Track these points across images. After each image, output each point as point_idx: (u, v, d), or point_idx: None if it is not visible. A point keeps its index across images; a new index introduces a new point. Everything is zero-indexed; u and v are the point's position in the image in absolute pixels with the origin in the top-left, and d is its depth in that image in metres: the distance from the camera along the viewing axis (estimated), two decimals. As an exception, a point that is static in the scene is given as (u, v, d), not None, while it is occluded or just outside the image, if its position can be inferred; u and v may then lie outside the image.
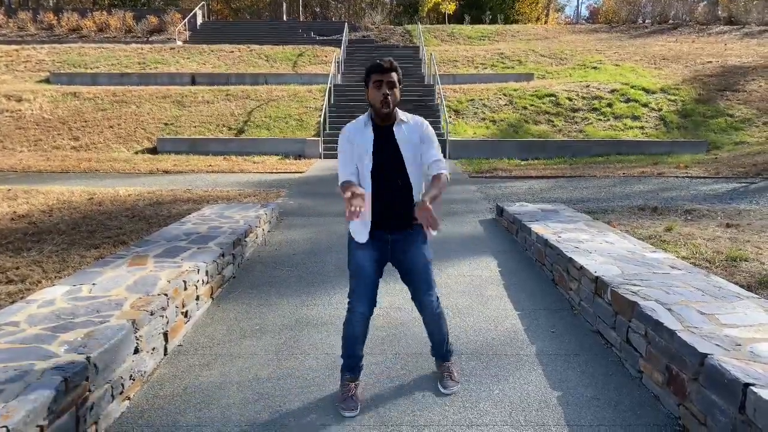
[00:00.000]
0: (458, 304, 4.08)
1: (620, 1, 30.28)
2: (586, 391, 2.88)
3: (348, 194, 2.39)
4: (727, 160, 11.93)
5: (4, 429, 1.87)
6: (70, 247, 5.29)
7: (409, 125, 2.75)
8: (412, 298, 2.91)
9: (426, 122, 2.82)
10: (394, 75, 2.63)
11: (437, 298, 2.91)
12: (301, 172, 11.35)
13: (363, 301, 2.78)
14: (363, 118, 2.76)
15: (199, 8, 27.60)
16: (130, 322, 2.83)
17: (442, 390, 2.91)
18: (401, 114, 2.75)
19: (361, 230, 2.75)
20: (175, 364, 3.16)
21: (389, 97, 2.61)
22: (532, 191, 9.10)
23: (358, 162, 2.70)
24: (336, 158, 12.92)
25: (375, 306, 2.82)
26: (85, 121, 15.34)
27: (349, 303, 2.83)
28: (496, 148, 14.02)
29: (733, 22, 26.08)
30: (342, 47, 20.62)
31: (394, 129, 2.72)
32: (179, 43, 23.86)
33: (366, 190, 2.66)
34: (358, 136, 2.71)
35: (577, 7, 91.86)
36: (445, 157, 13.51)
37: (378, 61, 2.64)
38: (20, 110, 15.73)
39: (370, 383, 2.96)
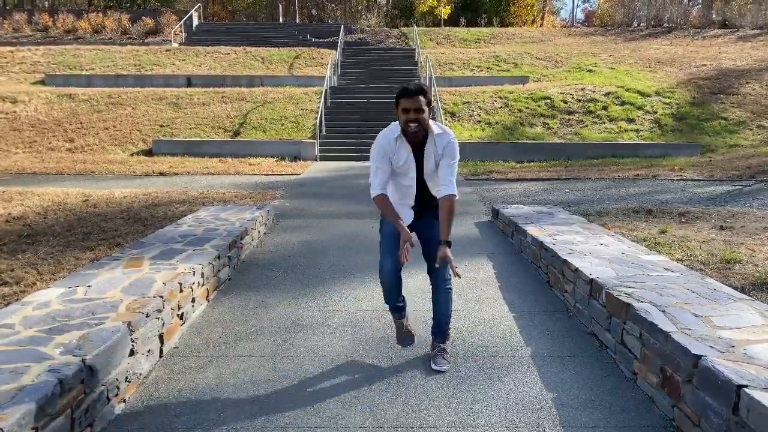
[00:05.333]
0: (453, 305, 4.08)
1: (615, 4, 30.43)
2: (581, 393, 2.89)
3: (404, 240, 2.88)
4: (721, 163, 12.00)
5: (-1, 431, 1.87)
6: (65, 249, 5.27)
7: (440, 136, 3.00)
8: (428, 271, 3.21)
9: (453, 136, 3.05)
10: (421, 98, 2.86)
11: (450, 277, 3.19)
12: (297, 174, 11.35)
13: (388, 257, 3.08)
14: (392, 132, 3.00)
15: (195, 10, 27.59)
16: (126, 324, 2.82)
17: (434, 366, 3.11)
18: (434, 126, 3.00)
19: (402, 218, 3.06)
20: (171, 366, 3.16)
21: (416, 120, 2.86)
22: (527, 193, 9.13)
23: (399, 173, 3.06)
24: (333, 160, 12.85)
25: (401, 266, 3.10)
26: (81, 123, 15.30)
27: (379, 264, 3.15)
28: (492, 150, 14.04)
29: (728, 26, 26.23)
30: (338, 49, 20.63)
31: (426, 145, 3.00)
32: (175, 44, 23.83)
33: (411, 198, 3.12)
34: (394, 153, 2.99)
35: (572, 10, 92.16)
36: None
37: (406, 85, 2.90)
38: (15, 112, 15.68)
39: (366, 383, 2.96)
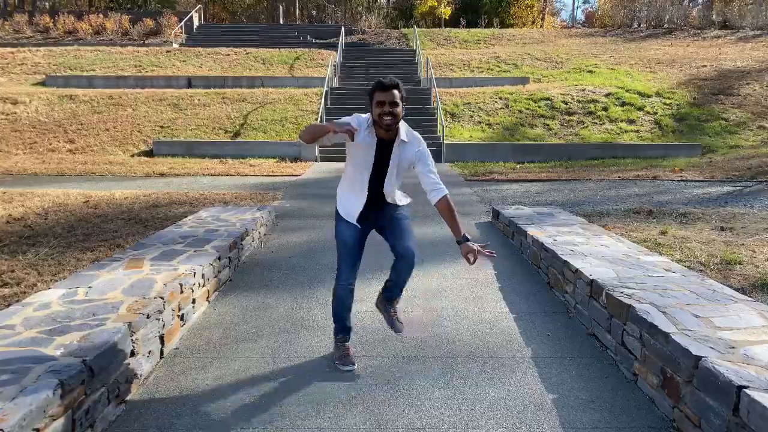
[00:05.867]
0: (454, 306, 4.09)
1: (616, 5, 30.43)
2: (582, 394, 2.89)
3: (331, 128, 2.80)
4: (721, 164, 12.00)
5: (0, 432, 1.87)
6: (65, 250, 5.27)
7: (407, 145, 2.98)
8: (392, 248, 3.08)
9: (423, 142, 3.06)
10: (396, 93, 2.83)
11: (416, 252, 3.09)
12: (297, 175, 11.35)
13: (347, 270, 3.11)
14: (367, 121, 2.96)
15: (196, 11, 27.63)
16: (126, 325, 2.83)
17: (396, 333, 3.26)
18: (403, 132, 2.96)
19: (350, 213, 3.08)
20: (171, 367, 3.16)
21: (390, 113, 2.82)
22: (527, 194, 9.13)
23: (358, 165, 3.01)
24: (333, 161, 12.81)
25: (358, 271, 3.18)
26: (81, 124, 15.32)
27: (336, 272, 3.16)
28: (492, 151, 14.05)
29: (728, 27, 26.23)
30: (338, 50, 20.64)
31: (393, 147, 2.96)
32: (175, 45, 23.85)
33: (363, 192, 3.05)
34: (363, 140, 2.94)
35: (573, 11, 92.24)
36: (441, 160, 13.60)
37: (380, 79, 2.86)
38: (16, 113, 15.70)
39: (366, 384, 2.97)
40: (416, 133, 3.06)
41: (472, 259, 2.86)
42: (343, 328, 3.24)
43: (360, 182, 3.04)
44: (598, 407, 2.76)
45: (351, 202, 3.09)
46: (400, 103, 2.85)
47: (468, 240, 2.89)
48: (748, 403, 2.09)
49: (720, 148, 14.16)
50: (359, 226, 3.10)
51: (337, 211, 3.18)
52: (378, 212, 3.12)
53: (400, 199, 3.21)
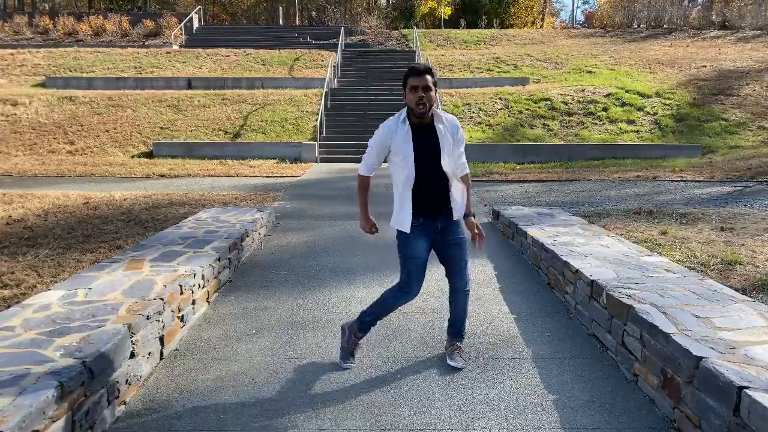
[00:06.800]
0: (454, 308, 4.08)
1: (615, 5, 30.43)
2: (582, 395, 2.88)
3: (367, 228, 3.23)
4: (721, 164, 12.00)
5: (0, 434, 1.87)
6: (65, 252, 5.27)
7: (446, 122, 3.05)
8: (447, 275, 3.23)
9: (459, 124, 3.14)
10: (429, 78, 2.91)
11: (470, 278, 3.26)
12: (297, 176, 11.35)
13: (417, 284, 3.10)
14: (398, 116, 3.04)
15: (196, 12, 27.63)
16: (126, 326, 2.82)
17: (451, 363, 3.17)
18: (438, 111, 3.05)
19: (404, 222, 3.04)
20: (171, 369, 3.16)
21: (424, 99, 2.88)
22: (527, 195, 9.12)
23: (401, 157, 2.98)
24: (333, 161, 12.83)
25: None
26: (81, 125, 15.32)
27: (405, 283, 3.11)
28: (492, 151, 14.05)
29: (728, 27, 26.23)
30: (338, 51, 20.65)
31: (435, 126, 3.01)
32: (175, 47, 23.86)
33: (411, 179, 2.98)
34: (396, 135, 2.99)
35: (572, 11, 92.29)
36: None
37: (414, 65, 2.94)
38: (16, 114, 15.70)
39: (366, 385, 2.96)
40: (450, 115, 3.12)
41: (469, 235, 3.12)
42: (366, 328, 3.26)
43: (410, 172, 2.98)
44: (599, 408, 2.76)
45: (407, 205, 3.03)
46: (433, 88, 2.92)
47: (473, 217, 3.17)
48: (748, 404, 2.09)
49: (720, 148, 14.16)
50: (426, 236, 3.07)
51: (400, 237, 3.11)
52: (444, 222, 3.08)
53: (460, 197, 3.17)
